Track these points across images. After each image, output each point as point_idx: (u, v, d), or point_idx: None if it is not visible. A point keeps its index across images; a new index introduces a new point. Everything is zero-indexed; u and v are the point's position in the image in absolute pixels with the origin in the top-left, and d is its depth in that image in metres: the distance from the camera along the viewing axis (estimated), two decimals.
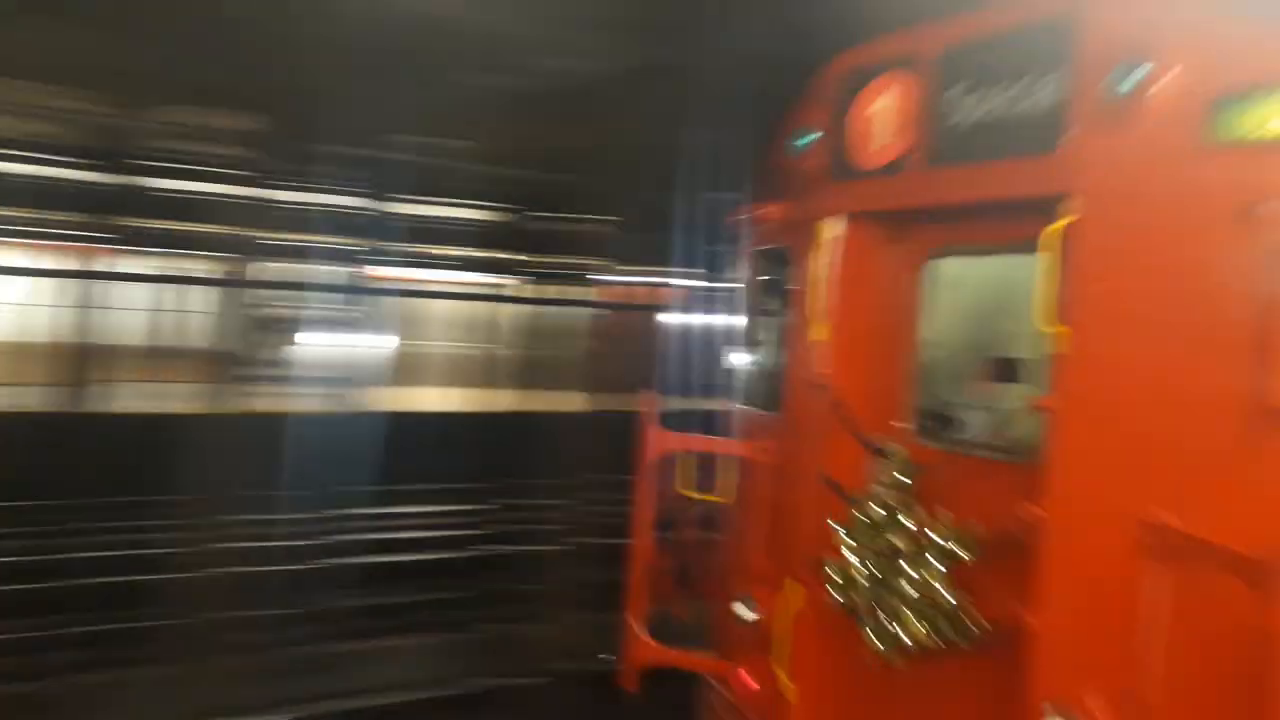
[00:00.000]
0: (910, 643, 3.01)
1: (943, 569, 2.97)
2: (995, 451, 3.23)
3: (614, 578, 4.16)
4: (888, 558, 3.08)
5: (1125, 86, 2.60)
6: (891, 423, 3.47)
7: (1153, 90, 2.59)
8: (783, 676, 3.51)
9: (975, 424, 3.42)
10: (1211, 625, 2.35)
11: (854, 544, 3.17)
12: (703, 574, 4.26)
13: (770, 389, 3.91)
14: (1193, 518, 2.41)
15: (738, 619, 3.71)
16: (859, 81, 3.51)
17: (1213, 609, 2.35)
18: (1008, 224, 3.12)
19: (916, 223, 3.45)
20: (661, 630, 4.10)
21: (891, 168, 3.37)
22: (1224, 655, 2.30)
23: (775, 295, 3.90)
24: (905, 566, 3.02)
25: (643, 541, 4.01)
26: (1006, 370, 3.30)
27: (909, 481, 3.10)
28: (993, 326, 3.43)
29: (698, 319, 11.80)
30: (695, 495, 4.03)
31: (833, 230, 3.55)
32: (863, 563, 3.14)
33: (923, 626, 3.00)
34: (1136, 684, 2.47)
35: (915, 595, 2.99)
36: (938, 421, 3.46)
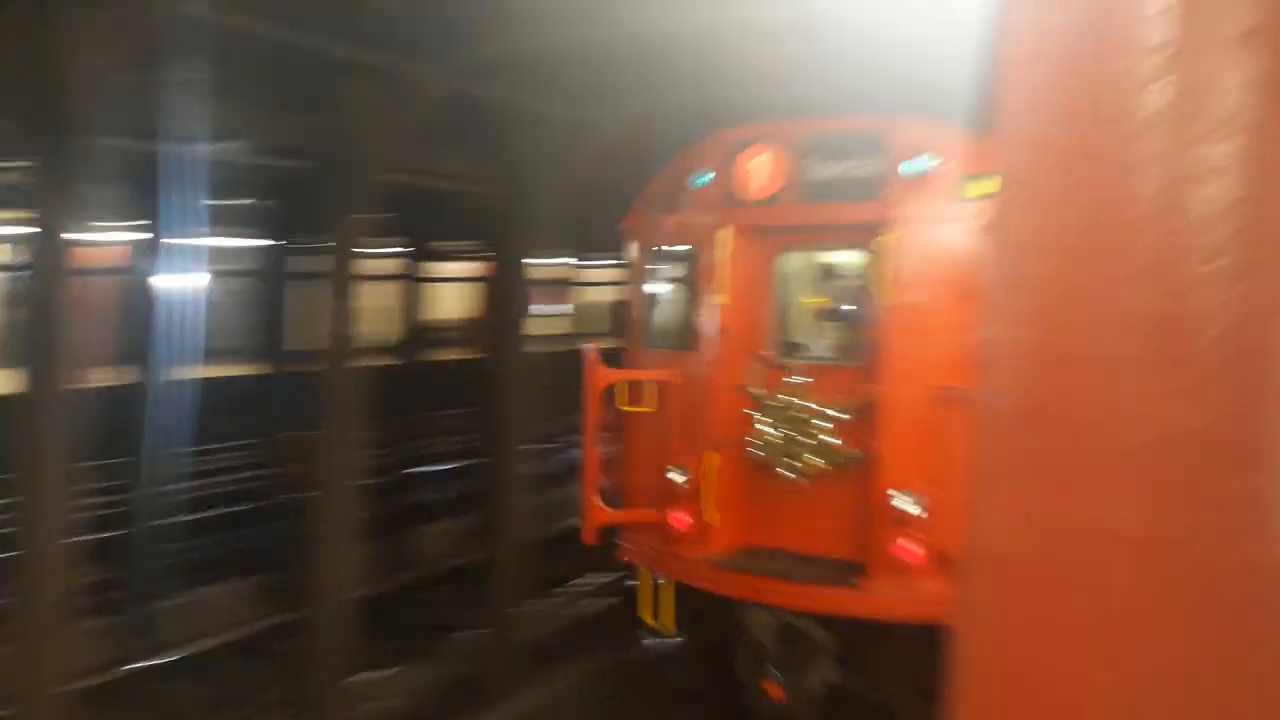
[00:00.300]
0: (812, 470, 5.36)
1: (829, 425, 5.43)
2: (838, 359, 5.67)
3: None
4: (794, 423, 5.41)
5: (920, 168, 5.22)
6: (761, 350, 5.86)
7: (935, 169, 5.23)
8: (709, 511, 5.74)
9: (817, 347, 5.85)
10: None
11: (770, 420, 5.47)
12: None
13: (679, 334, 6.07)
14: (960, 382, 5.03)
15: (673, 483, 5.82)
16: (742, 146, 5.83)
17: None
18: (838, 236, 5.65)
19: (778, 234, 5.79)
20: (610, 500, 6.16)
21: (767, 201, 5.74)
22: None
23: (680, 275, 6.08)
24: (806, 427, 5.38)
25: (592, 443, 5.97)
26: (835, 314, 5.85)
27: (808, 379, 5.56)
28: (819, 290, 5.97)
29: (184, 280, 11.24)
30: (629, 408, 6.12)
31: (726, 236, 5.82)
32: (776, 429, 5.45)
33: (819, 460, 5.37)
34: (938, 475, 4.95)
35: (814, 443, 5.39)
36: (789, 346, 5.93)
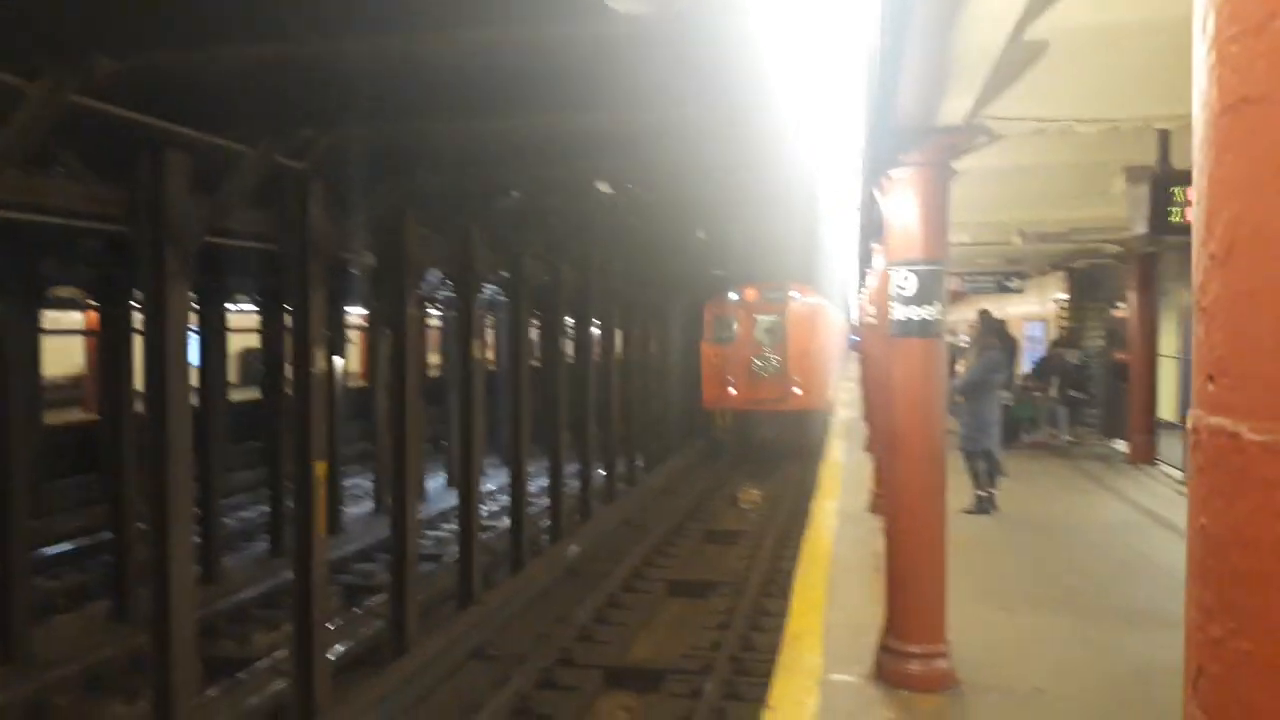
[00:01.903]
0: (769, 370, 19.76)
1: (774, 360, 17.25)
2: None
3: None
4: (764, 361, 19.95)
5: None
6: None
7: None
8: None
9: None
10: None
11: (758, 362, 20.79)
12: None
13: (729, 338, 21.63)
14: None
15: (729, 380, 21.47)
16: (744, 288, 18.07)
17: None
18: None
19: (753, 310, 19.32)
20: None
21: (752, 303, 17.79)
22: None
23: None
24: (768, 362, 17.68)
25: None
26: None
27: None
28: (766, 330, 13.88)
29: None
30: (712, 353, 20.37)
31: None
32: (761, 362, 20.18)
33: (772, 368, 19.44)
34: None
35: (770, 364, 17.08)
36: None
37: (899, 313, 5.26)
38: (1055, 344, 15.98)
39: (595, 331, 19.86)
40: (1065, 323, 16.98)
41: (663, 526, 15.90)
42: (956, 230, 11.80)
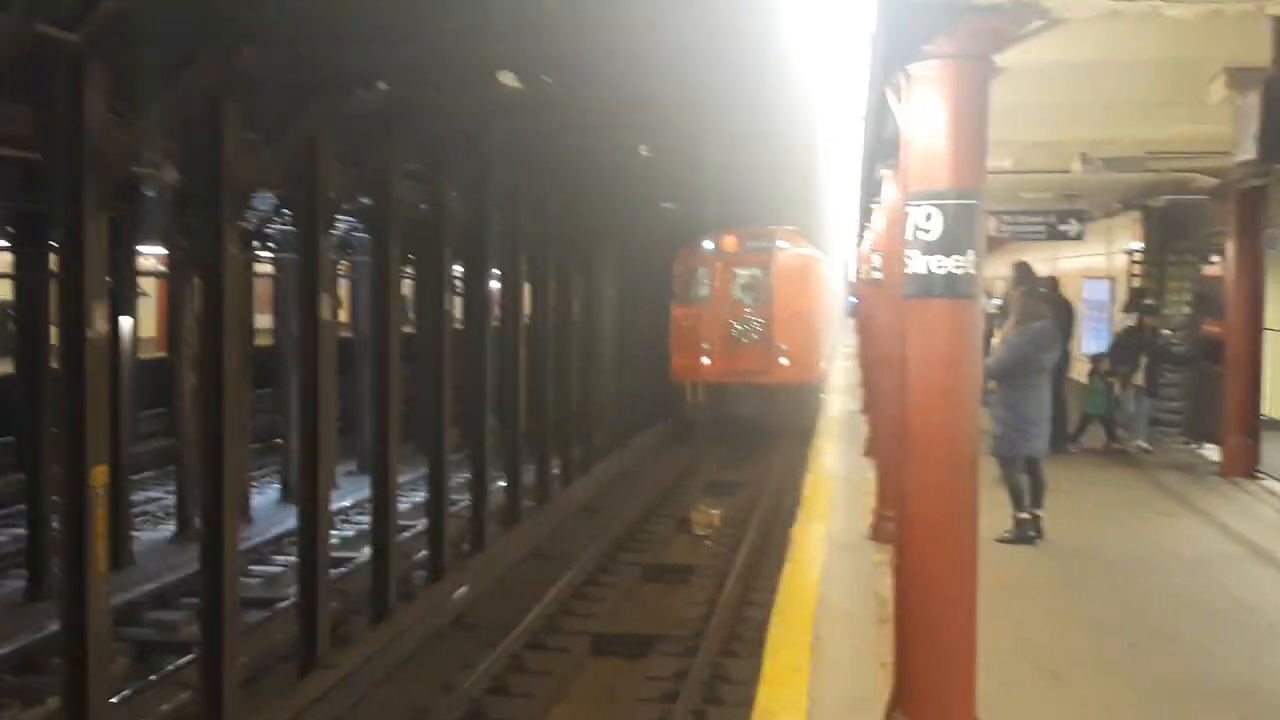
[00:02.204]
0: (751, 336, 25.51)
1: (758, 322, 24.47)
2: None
3: None
4: (745, 323, 25.40)
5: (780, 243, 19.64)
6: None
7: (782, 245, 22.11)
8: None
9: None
10: None
11: (739, 325, 25.57)
12: None
13: (699, 298, 26.68)
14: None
15: (702, 349, 25.97)
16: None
17: None
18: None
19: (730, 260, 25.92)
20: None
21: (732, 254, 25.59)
22: None
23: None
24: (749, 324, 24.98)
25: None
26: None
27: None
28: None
29: None
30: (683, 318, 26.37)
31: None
32: (742, 326, 25.48)
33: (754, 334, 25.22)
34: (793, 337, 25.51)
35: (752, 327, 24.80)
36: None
37: (917, 264, 5.24)
38: (1144, 309, 15.80)
39: (498, 284, 19.84)
40: (1138, 281, 17.26)
41: (587, 557, 15.92)
42: (996, 153, 11.90)
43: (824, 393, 25.50)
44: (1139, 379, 15.13)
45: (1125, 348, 15.45)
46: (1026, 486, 10.06)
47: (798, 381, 25.69)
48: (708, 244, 25.88)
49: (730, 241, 25.72)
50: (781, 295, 25.41)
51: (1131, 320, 15.94)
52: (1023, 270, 12.63)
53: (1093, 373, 15.33)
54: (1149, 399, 15.28)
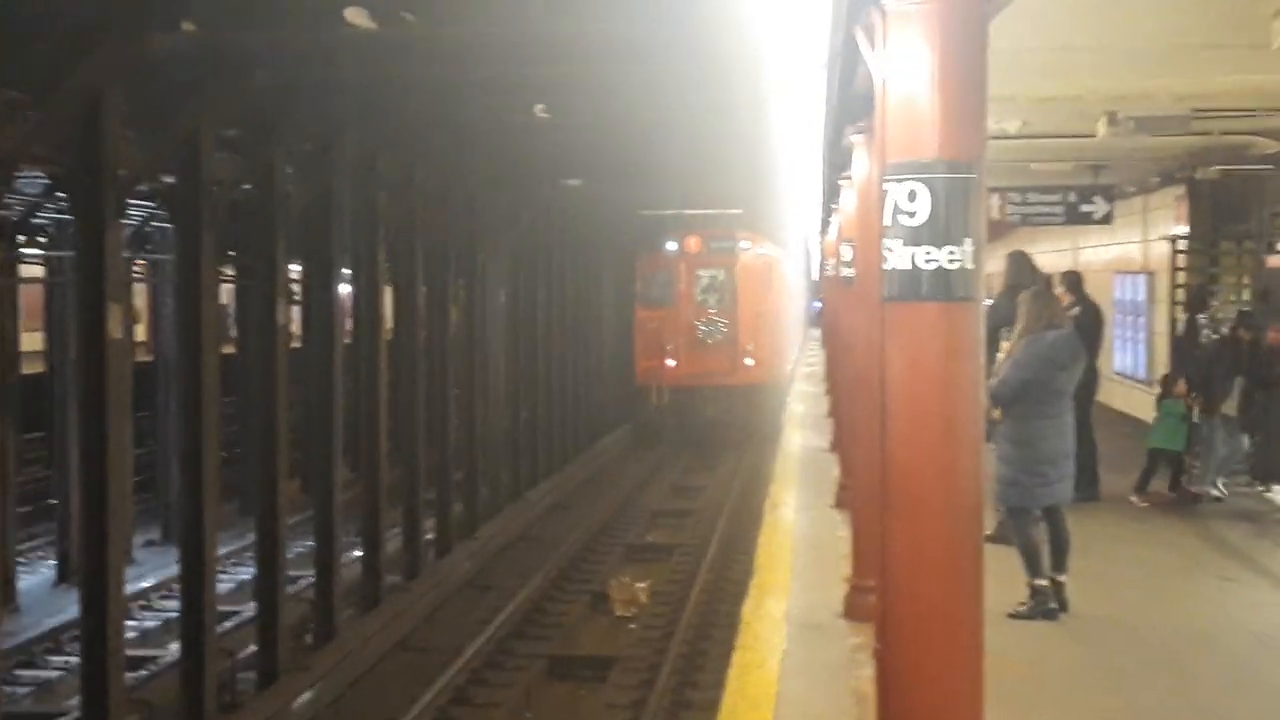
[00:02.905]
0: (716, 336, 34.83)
1: (722, 323, 34.50)
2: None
3: None
4: (709, 323, 34.33)
5: (742, 245, 35.50)
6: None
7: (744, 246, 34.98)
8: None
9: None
10: None
11: (703, 325, 34.58)
12: None
13: (667, 301, 36.08)
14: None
15: (666, 351, 35.36)
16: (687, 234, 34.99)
17: None
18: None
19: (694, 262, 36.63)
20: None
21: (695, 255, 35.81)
22: None
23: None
24: (715, 325, 34.58)
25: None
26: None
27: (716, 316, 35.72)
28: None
29: None
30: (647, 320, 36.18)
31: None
32: (707, 327, 34.65)
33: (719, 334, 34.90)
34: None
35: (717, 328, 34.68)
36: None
37: (899, 257, 5.26)
38: (1244, 319, 15.49)
39: (350, 288, 19.68)
40: (1184, 276, 17.56)
41: (473, 650, 15.82)
42: (999, 112, 12.05)
43: (788, 396, 34.03)
44: (1230, 407, 14.88)
45: (1214, 365, 15.19)
46: (1045, 545, 10.16)
47: (763, 382, 34.53)
48: (671, 245, 34.19)
49: (693, 242, 33.81)
50: (746, 296, 34.16)
51: (1205, 324, 15.83)
52: (1019, 263, 12.74)
53: (1162, 397, 15.23)
54: (1242, 435, 15.12)
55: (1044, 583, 10.12)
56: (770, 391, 34.34)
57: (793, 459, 20.98)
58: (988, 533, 9.80)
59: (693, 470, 32.22)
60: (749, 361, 33.96)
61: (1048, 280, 14.21)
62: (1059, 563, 10.22)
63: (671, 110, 17.71)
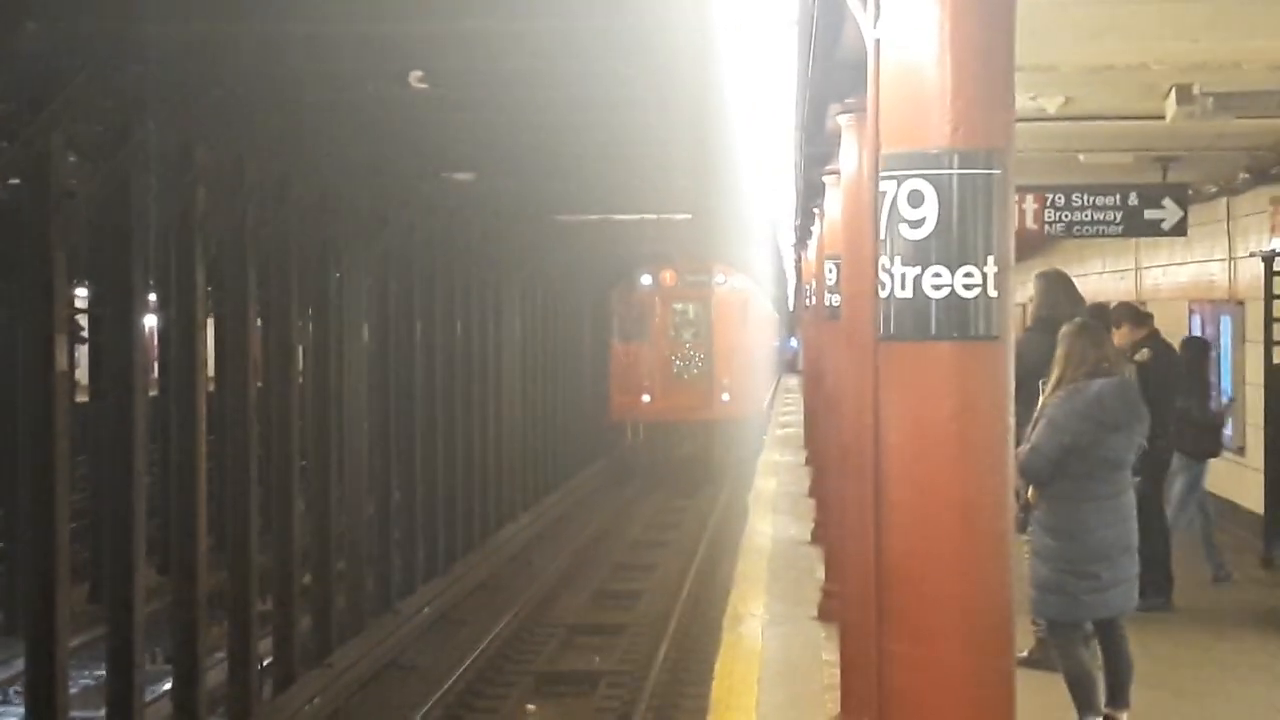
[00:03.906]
0: (691, 372, 51.25)
1: (698, 358, 51.39)
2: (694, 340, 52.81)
3: None
4: (686, 358, 50.61)
5: (717, 279, 53.51)
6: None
7: (721, 280, 53.22)
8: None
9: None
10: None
11: (677, 359, 51.19)
12: None
13: (643, 334, 53.79)
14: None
15: (642, 387, 52.29)
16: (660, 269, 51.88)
17: None
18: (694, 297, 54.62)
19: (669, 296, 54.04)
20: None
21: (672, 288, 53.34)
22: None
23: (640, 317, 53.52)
24: (690, 360, 51.52)
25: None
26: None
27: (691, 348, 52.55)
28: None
29: None
30: (621, 352, 53.10)
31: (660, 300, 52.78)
32: (682, 362, 51.54)
33: (694, 369, 51.35)
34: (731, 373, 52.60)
35: (692, 362, 51.31)
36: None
37: (898, 281, 5.27)
38: None
39: (157, 320, 19.51)
40: None
41: None
42: (1034, 84, 12.10)
43: (767, 424, 46.03)
44: None
45: None
46: (1099, 672, 10.15)
47: (740, 417, 48.61)
48: (645, 279, 48.29)
49: (668, 276, 47.77)
50: (721, 330, 48.66)
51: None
52: (1053, 286, 12.77)
53: None
54: None
55: None
56: (747, 425, 48.22)
57: (761, 555, 20.97)
58: (1022, 654, 9.88)
59: (625, 567, 32.47)
60: (726, 397, 48.28)
61: (1097, 312, 14.23)
62: (1118, 695, 10.22)
63: (595, 80, 17.72)
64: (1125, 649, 10.26)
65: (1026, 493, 9.88)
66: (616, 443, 49.82)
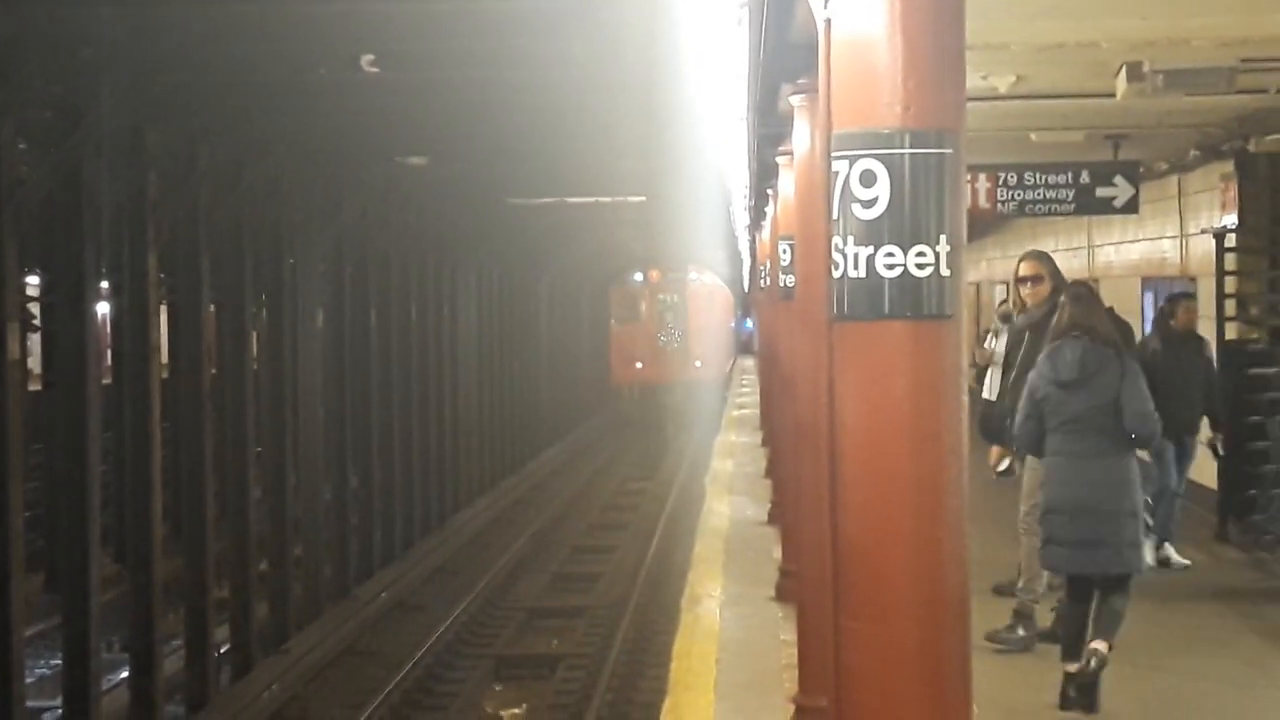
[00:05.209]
0: (672, 345, 74.88)
1: (677, 333, 75.54)
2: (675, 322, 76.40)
3: None
4: (669, 334, 76.19)
5: (691, 276, 77.63)
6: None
7: (693, 277, 79.22)
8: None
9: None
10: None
11: (662, 336, 77.45)
12: None
13: (635, 317, 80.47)
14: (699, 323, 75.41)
15: (636, 357, 77.66)
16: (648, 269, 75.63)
17: None
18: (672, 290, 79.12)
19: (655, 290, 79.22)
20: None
21: (658, 283, 78.56)
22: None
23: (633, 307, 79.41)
24: (671, 335, 76.10)
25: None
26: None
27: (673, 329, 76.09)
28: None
29: None
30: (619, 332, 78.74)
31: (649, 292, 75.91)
32: (667, 336, 77.13)
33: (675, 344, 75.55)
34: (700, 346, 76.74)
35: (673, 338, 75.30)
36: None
37: (851, 261, 5.27)
38: None
39: (110, 307, 19.42)
40: (1236, 282, 17.77)
41: None
42: (985, 64, 12.11)
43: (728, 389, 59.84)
44: None
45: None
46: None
47: (708, 380, 68.85)
48: (637, 276, 70.97)
49: (655, 274, 69.73)
50: (694, 314, 71.07)
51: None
52: (1042, 263, 12.88)
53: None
54: None
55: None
56: (714, 386, 66.73)
57: (719, 536, 20.95)
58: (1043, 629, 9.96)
59: (582, 553, 32.57)
60: (698, 363, 70.64)
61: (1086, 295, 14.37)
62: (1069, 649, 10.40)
63: (544, 62, 17.70)
64: (1086, 609, 10.45)
65: (1001, 463, 10.22)
66: (613, 404, 72.26)
